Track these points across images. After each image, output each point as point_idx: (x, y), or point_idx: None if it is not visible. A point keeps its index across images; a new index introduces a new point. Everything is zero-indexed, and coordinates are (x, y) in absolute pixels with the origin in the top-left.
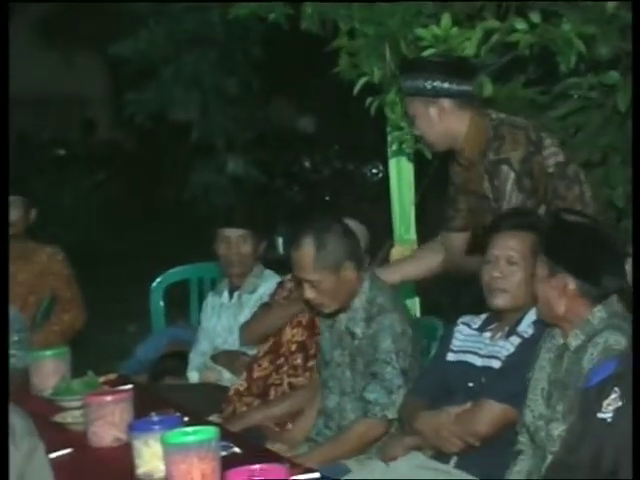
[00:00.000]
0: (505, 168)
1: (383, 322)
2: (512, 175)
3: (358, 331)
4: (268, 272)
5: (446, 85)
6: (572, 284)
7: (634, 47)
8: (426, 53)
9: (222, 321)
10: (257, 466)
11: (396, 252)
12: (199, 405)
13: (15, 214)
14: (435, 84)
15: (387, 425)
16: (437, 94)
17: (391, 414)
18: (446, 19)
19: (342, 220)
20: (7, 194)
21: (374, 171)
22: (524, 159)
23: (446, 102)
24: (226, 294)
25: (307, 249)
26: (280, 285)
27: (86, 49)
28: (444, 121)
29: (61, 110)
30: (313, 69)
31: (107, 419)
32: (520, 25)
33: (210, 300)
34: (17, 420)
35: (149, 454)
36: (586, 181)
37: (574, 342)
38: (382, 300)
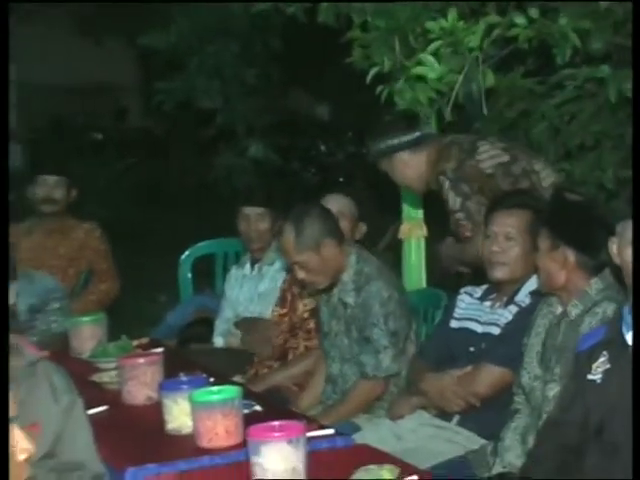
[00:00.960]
0: (442, 178)
1: (371, 290)
2: (447, 183)
3: (350, 301)
4: None
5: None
6: (572, 257)
7: (634, 47)
8: (433, 45)
9: (244, 291)
10: (277, 422)
11: (404, 229)
12: (223, 367)
13: (58, 193)
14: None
15: (382, 383)
16: (394, 150)
17: (382, 373)
18: (452, 13)
19: (318, 203)
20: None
21: None
22: (456, 168)
23: (404, 154)
24: (248, 266)
25: (287, 235)
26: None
27: (118, 42)
28: (409, 168)
29: (96, 98)
30: (328, 60)
31: (140, 379)
32: (520, 20)
33: (234, 272)
34: (58, 378)
35: (178, 411)
36: (543, 172)
37: (574, 311)
38: (368, 270)
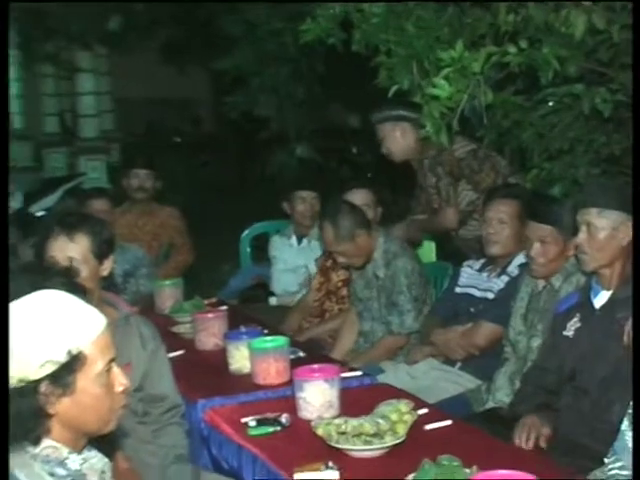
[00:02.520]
0: (426, 162)
1: (397, 264)
2: (426, 164)
3: (381, 274)
4: None
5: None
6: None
7: (634, 47)
8: (444, 71)
9: (293, 261)
10: (316, 365)
11: (420, 216)
12: (275, 322)
13: (147, 184)
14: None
15: (404, 338)
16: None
17: (405, 330)
18: (459, 45)
19: (346, 200)
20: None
21: None
22: (436, 155)
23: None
24: (294, 239)
25: (327, 230)
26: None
27: (195, 64)
28: (398, 137)
29: (177, 109)
30: (360, 79)
31: (209, 330)
32: (512, 49)
33: (278, 239)
34: (145, 329)
35: (239, 356)
36: (497, 156)
37: (556, 283)
38: (394, 248)
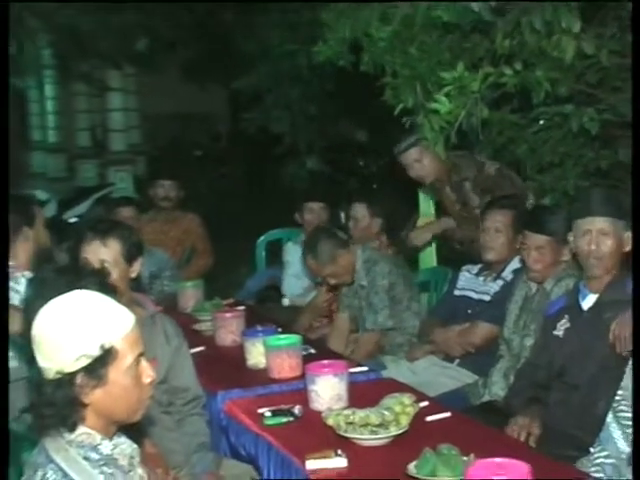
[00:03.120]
0: (465, 183)
1: (376, 269)
2: (468, 186)
3: (364, 282)
4: None
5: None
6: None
7: (634, 47)
8: (445, 89)
9: (300, 264)
10: (326, 361)
11: (420, 221)
12: (288, 321)
13: (171, 193)
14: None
15: (377, 334)
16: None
17: (377, 326)
18: (460, 66)
19: (324, 227)
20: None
21: None
22: (475, 176)
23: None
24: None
25: (309, 262)
26: None
27: (215, 83)
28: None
29: (198, 125)
30: (367, 98)
31: (227, 328)
32: (507, 71)
33: (291, 246)
34: (169, 326)
35: (255, 352)
36: (514, 173)
37: (548, 287)
38: (372, 256)
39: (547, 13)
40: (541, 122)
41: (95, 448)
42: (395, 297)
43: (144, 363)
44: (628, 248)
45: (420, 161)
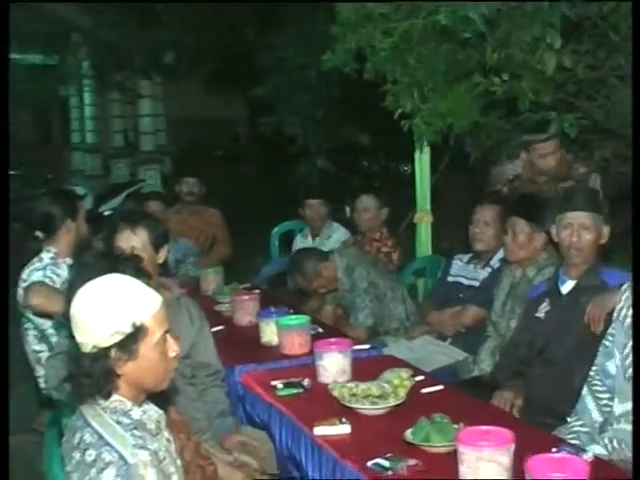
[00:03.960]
0: (593, 176)
1: (355, 275)
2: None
3: (347, 287)
4: (336, 225)
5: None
6: (538, 240)
7: (634, 48)
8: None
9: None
10: (333, 339)
11: (417, 216)
12: (299, 303)
13: (194, 189)
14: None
15: (361, 331)
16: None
17: (358, 325)
18: (454, 75)
19: (305, 248)
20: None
21: (405, 168)
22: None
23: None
24: (310, 238)
25: (298, 279)
26: (346, 240)
27: (235, 91)
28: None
29: (219, 128)
30: (370, 103)
31: (244, 310)
32: (496, 81)
33: (299, 239)
34: (192, 307)
35: (269, 331)
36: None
37: (531, 274)
38: (351, 262)
39: (536, 29)
40: (526, 127)
41: (126, 414)
42: (378, 293)
43: (170, 339)
44: (604, 240)
45: (554, 153)
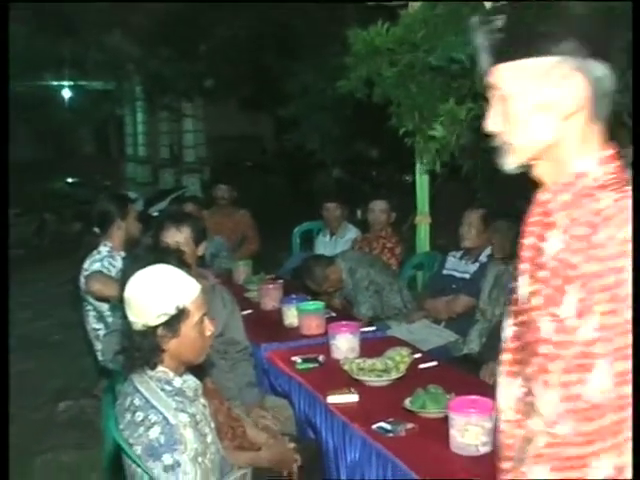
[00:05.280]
0: None
1: (357, 276)
2: None
3: (350, 286)
4: (350, 225)
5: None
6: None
7: (634, 47)
8: (440, 118)
9: (326, 250)
10: (344, 322)
11: (418, 218)
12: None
13: (227, 194)
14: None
15: (362, 323)
16: None
17: (360, 316)
18: (451, 101)
19: (312, 254)
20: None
21: (407, 178)
22: None
23: None
24: (328, 237)
25: (309, 282)
26: (356, 239)
27: (264, 111)
28: None
29: (248, 143)
30: (378, 122)
31: (270, 296)
32: (485, 104)
33: (320, 237)
34: (225, 294)
35: (290, 314)
36: None
37: (512, 267)
38: (352, 265)
39: None
40: None
41: (169, 382)
42: (377, 289)
43: (206, 320)
44: None
45: None
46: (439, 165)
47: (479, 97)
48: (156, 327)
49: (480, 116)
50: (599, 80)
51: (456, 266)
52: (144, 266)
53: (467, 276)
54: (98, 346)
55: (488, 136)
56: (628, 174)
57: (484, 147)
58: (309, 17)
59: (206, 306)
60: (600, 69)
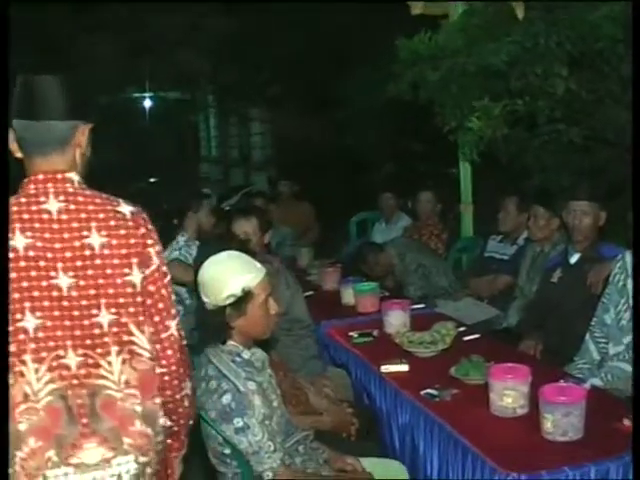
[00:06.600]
0: None
1: (405, 261)
2: None
3: (401, 270)
4: (403, 215)
5: None
6: (553, 223)
7: (634, 47)
8: (476, 113)
9: (382, 236)
10: (396, 300)
11: (462, 207)
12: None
13: (287, 189)
14: None
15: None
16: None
17: (410, 296)
18: (486, 99)
19: (366, 241)
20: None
21: (453, 170)
22: None
23: None
24: (383, 224)
25: (362, 267)
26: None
27: (323, 114)
28: None
29: (311, 142)
30: (425, 121)
31: (330, 278)
32: (519, 102)
33: (377, 225)
34: (289, 276)
35: (348, 294)
36: None
37: (547, 249)
38: (401, 250)
39: (546, 61)
40: (543, 137)
41: (239, 354)
42: (425, 272)
43: (271, 300)
44: (602, 222)
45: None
46: (476, 155)
47: (514, 94)
48: (225, 307)
49: (514, 112)
50: None
51: (496, 249)
52: (215, 253)
53: (506, 257)
54: None
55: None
56: None
57: (518, 140)
58: (360, 30)
59: (270, 288)
60: None
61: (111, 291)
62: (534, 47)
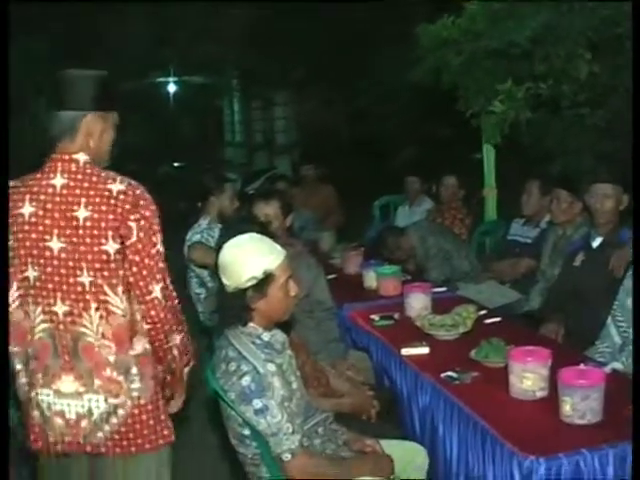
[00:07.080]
0: None
1: (427, 244)
2: None
3: (422, 253)
4: (427, 198)
5: None
6: (576, 207)
7: (634, 47)
8: (500, 97)
9: (405, 219)
10: (417, 283)
11: (485, 191)
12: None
13: (313, 173)
14: None
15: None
16: None
17: (431, 278)
18: (509, 81)
19: (388, 225)
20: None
21: (478, 155)
22: None
23: None
24: (407, 207)
25: (383, 250)
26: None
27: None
28: None
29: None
30: (447, 106)
31: (352, 261)
32: (542, 85)
33: (400, 209)
34: (311, 259)
35: (370, 277)
36: None
37: (570, 232)
38: (423, 234)
39: (569, 43)
40: (566, 120)
41: (259, 336)
42: (446, 255)
43: (291, 283)
44: (624, 206)
45: None
46: (499, 137)
47: (538, 78)
48: (246, 289)
49: (538, 95)
50: None
51: (519, 232)
52: (236, 235)
53: (529, 241)
54: (200, 308)
55: (547, 112)
56: None
57: (542, 123)
58: (381, 18)
59: (291, 270)
60: None
61: (90, 257)
62: (557, 27)
